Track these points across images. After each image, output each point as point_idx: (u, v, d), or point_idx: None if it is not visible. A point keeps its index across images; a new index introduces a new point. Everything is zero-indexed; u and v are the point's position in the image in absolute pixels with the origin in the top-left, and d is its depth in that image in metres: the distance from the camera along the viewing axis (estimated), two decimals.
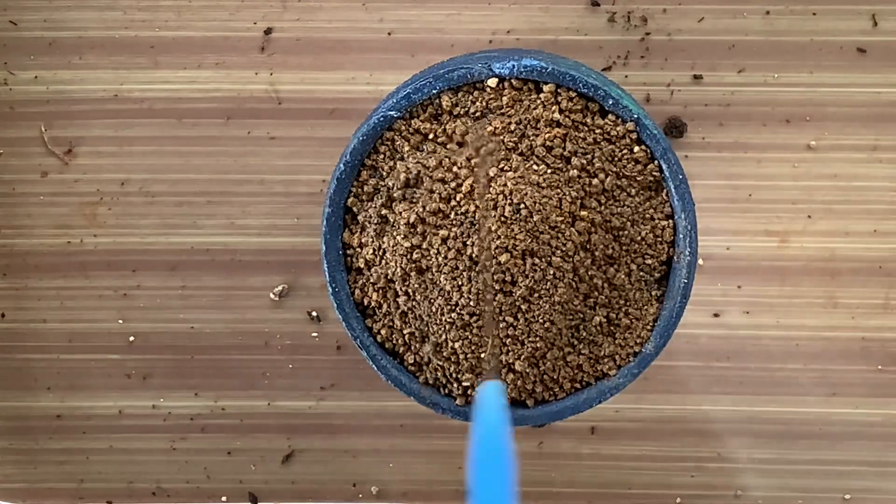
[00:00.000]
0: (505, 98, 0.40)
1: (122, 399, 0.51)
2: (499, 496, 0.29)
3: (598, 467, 0.51)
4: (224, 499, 0.51)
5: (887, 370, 0.50)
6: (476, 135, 0.40)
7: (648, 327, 0.41)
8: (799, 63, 0.49)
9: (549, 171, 0.40)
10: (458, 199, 0.39)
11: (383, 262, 0.40)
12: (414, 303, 0.40)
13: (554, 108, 0.40)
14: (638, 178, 0.40)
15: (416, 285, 0.40)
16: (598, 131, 0.40)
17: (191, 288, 0.50)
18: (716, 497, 0.51)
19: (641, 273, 0.41)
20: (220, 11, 0.49)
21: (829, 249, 0.50)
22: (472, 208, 0.39)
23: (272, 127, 0.50)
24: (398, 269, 0.40)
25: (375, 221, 0.40)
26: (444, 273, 0.39)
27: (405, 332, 0.41)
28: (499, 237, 0.38)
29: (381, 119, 0.40)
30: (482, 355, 0.40)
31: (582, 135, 0.40)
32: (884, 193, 0.49)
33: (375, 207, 0.40)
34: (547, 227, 0.39)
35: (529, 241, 0.38)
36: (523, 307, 0.39)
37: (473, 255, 0.39)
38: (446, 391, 0.42)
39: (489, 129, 0.40)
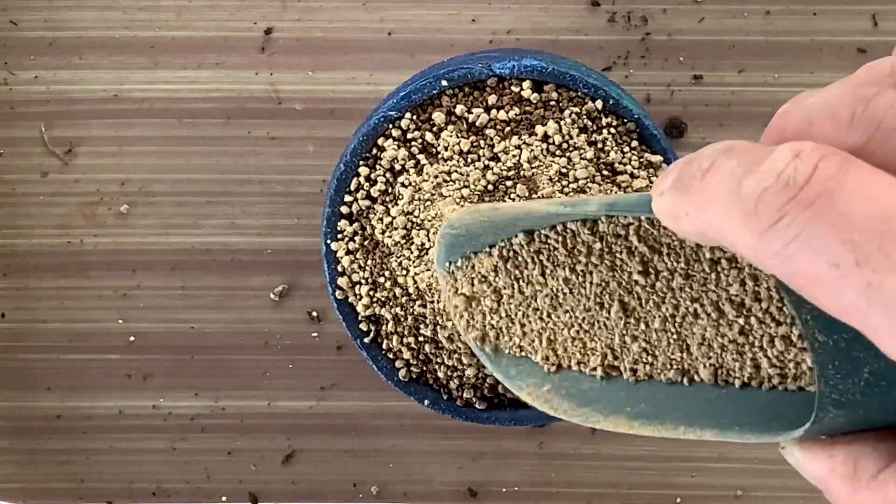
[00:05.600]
0: (505, 98, 0.40)
1: (122, 399, 0.51)
2: None
3: (598, 467, 0.51)
4: (224, 499, 0.51)
5: None
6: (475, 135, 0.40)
7: None
8: (799, 63, 0.49)
9: (549, 171, 0.40)
10: (457, 199, 0.39)
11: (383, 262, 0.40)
12: (414, 304, 0.40)
13: (554, 108, 0.40)
14: None
15: (416, 286, 0.40)
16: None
17: (191, 288, 0.50)
18: (716, 497, 0.51)
19: None
20: (220, 11, 0.49)
21: None
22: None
23: (272, 127, 0.50)
24: (398, 270, 0.40)
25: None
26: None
27: (405, 332, 0.41)
28: None
29: (381, 119, 0.40)
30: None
31: (583, 135, 0.40)
32: None
33: (375, 208, 0.40)
34: None
35: None
36: None
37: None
38: (446, 391, 0.42)
39: (488, 119, 0.40)
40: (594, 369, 0.31)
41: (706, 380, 0.30)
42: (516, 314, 0.33)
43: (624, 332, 0.31)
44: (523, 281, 0.32)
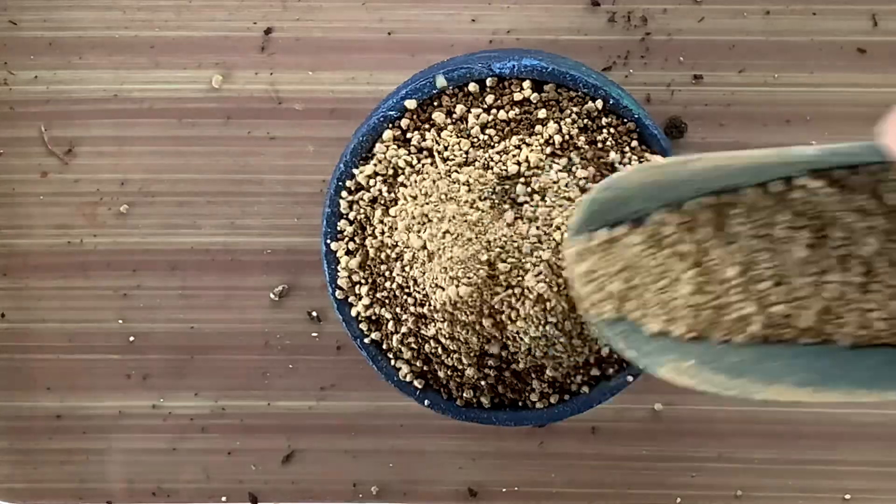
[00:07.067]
0: (505, 98, 0.40)
1: (122, 399, 0.51)
2: None
3: (598, 467, 0.51)
4: (224, 499, 0.51)
5: None
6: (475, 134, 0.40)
7: None
8: (799, 63, 0.49)
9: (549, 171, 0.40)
10: (457, 199, 0.39)
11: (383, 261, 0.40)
12: (413, 303, 0.40)
13: (554, 108, 0.40)
14: None
15: (416, 286, 0.40)
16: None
17: (191, 288, 0.50)
18: (716, 497, 0.51)
19: None
20: (220, 11, 0.49)
21: None
22: (477, 212, 0.39)
23: (272, 127, 0.50)
24: (398, 270, 0.40)
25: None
26: (443, 274, 0.39)
27: (405, 332, 0.41)
28: (500, 237, 0.38)
29: (381, 119, 0.40)
30: (489, 351, 0.40)
31: (583, 135, 0.40)
32: None
33: (375, 208, 0.40)
34: (549, 227, 0.39)
35: (532, 240, 0.38)
36: (527, 305, 0.39)
37: (473, 256, 0.39)
38: (446, 391, 0.42)
39: (488, 118, 0.40)
40: (753, 336, 0.30)
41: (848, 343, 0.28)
42: (653, 288, 0.31)
43: (772, 297, 0.29)
44: (662, 254, 0.30)
